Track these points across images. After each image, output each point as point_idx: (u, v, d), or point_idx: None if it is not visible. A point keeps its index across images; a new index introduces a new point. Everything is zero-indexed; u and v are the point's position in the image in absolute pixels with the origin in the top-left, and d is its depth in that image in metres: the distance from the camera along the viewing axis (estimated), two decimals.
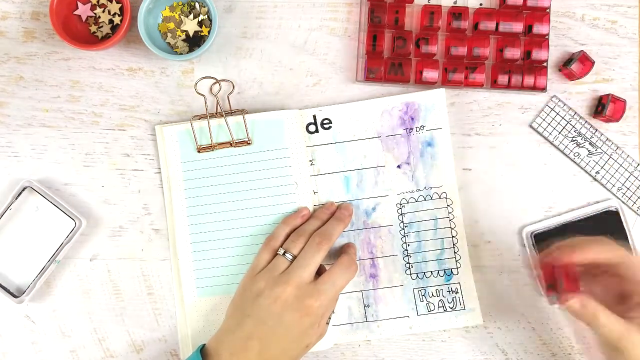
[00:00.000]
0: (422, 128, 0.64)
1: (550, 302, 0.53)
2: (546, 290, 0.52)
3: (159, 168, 0.65)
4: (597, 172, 0.65)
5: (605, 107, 0.64)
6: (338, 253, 0.63)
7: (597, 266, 0.52)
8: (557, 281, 0.50)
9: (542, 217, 0.65)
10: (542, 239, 0.64)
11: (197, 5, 0.64)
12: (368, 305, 0.64)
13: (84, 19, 0.65)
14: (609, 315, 0.49)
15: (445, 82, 0.64)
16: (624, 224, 0.64)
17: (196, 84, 0.65)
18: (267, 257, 0.60)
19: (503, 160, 0.65)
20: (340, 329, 0.64)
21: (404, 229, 0.65)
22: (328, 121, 0.65)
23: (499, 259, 0.65)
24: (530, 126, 0.66)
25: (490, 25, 0.64)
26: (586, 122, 0.65)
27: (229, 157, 0.64)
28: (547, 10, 0.64)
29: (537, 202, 0.65)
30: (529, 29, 0.64)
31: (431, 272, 0.64)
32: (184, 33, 0.64)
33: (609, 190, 0.65)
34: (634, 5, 0.66)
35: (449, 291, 0.64)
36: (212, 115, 0.64)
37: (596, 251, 0.52)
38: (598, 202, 0.65)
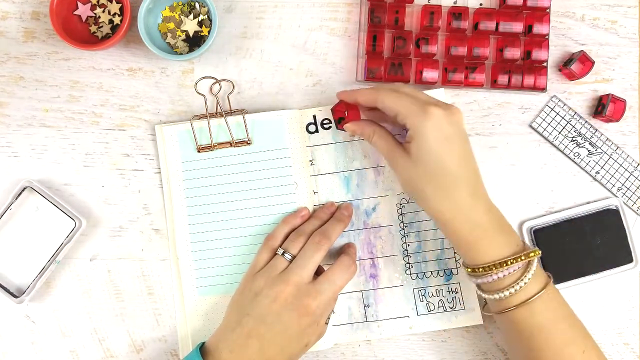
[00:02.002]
0: None
1: (341, 129, 0.61)
2: (337, 125, 0.61)
3: (159, 168, 0.65)
4: (597, 172, 0.65)
5: (605, 107, 0.64)
6: (338, 253, 0.63)
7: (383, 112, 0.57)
8: (344, 115, 0.60)
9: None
10: (542, 235, 0.64)
11: (197, 5, 0.64)
12: (368, 305, 0.64)
13: (84, 19, 0.65)
14: (381, 137, 0.57)
15: (445, 82, 0.64)
16: (624, 223, 0.64)
17: (196, 84, 0.65)
18: (267, 256, 0.60)
19: (503, 160, 0.65)
20: (340, 329, 0.64)
21: (404, 229, 0.65)
22: (328, 121, 0.65)
23: None
24: (530, 126, 0.66)
25: (490, 25, 0.64)
26: (586, 122, 0.65)
27: (229, 157, 0.64)
28: (547, 10, 0.64)
29: (537, 202, 0.65)
30: (529, 29, 0.64)
31: (431, 272, 0.64)
32: (184, 33, 0.64)
33: (609, 190, 0.65)
34: (634, 5, 0.66)
35: (449, 291, 0.64)
36: (212, 115, 0.64)
37: (374, 96, 0.57)
38: (598, 200, 0.65)
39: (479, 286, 0.56)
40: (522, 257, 0.53)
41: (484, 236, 0.53)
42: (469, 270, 0.55)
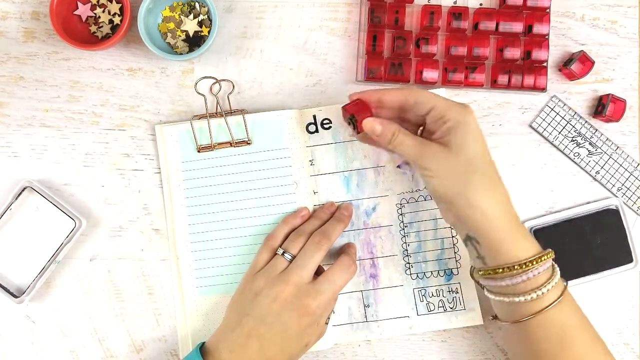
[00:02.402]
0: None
1: (354, 135, 0.60)
2: (349, 123, 0.58)
3: (159, 168, 0.65)
4: (597, 172, 0.65)
5: (605, 107, 0.64)
6: (338, 253, 0.63)
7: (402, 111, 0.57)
8: (355, 116, 0.57)
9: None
10: (542, 235, 0.64)
11: (197, 5, 0.64)
12: (368, 305, 0.64)
13: (84, 19, 0.65)
14: (407, 134, 0.54)
15: (445, 82, 0.64)
16: (624, 223, 0.64)
17: (196, 84, 0.65)
18: (267, 256, 0.60)
19: (503, 160, 0.65)
20: (340, 329, 0.64)
21: (404, 229, 0.65)
22: (328, 121, 0.65)
23: None
24: (530, 126, 0.66)
25: (490, 25, 0.64)
26: (586, 122, 0.65)
27: (229, 157, 0.64)
28: (547, 10, 0.64)
29: (537, 202, 0.65)
30: (529, 29, 0.64)
31: (431, 272, 0.64)
32: (184, 33, 0.64)
33: (609, 190, 0.65)
34: (634, 5, 0.66)
35: (449, 291, 0.64)
36: (212, 115, 0.64)
37: (388, 94, 0.56)
38: (598, 200, 0.65)
39: (495, 291, 0.54)
40: (547, 257, 0.51)
41: (519, 234, 0.52)
42: (489, 272, 0.53)
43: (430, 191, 0.56)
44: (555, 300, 0.51)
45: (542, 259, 0.51)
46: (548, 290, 0.51)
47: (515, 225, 0.52)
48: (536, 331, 0.52)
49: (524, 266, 0.51)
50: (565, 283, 0.53)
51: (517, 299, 0.52)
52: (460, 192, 0.52)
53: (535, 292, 0.51)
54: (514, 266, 0.51)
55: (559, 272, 0.53)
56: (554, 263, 0.53)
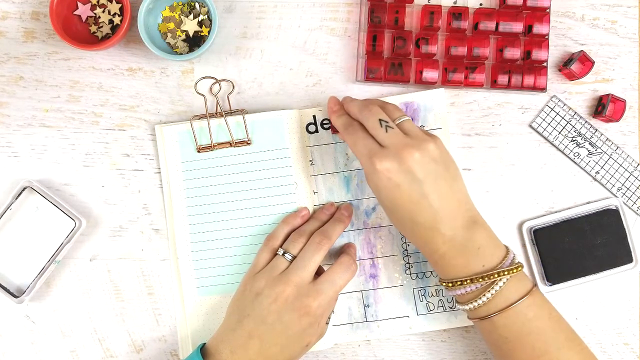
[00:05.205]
0: (422, 128, 0.64)
1: (333, 133, 0.64)
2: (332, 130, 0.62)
3: (159, 168, 0.65)
4: (597, 172, 0.65)
5: (605, 107, 0.64)
6: (338, 253, 0.63)
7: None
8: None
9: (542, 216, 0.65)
10: (542, 235, 0.64)
11: (197, 5, 0.64)
12: (368, 305, 0.64)
13: (84, 19, 0.65)
14: (366, 137, 0.55)
15: (445, 82, 0.64)
16: (624, 223, 0.64)
17: (196, 84, 0.65)
18: (267, 256, 0.60)
19: (503, 160, 0.65)
20: (340, 329, 0.64)
21: None
22: (328, 121, 0.65)
23: None
24: (530, 126, 0.66)
25: (490, 25, 0.64)
26: (586, 122, 0.65)
27: (229, 157, 0.64)
28: (547, 10, 0.64)
29: (537, 202, 0.65)
30: (529, 29, 0.64)
31: (431, 272, 0.64)
32: (184, 33, 0.64)
33: (609, 190, 0.65)
34: (634, 5, 0.66)
35: None
36: (212, 115, 0.64)
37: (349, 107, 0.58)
38: (598, 201, 0.65)
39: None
40: (481, 279, 0.53)
41: (442, 260, 0.55)
42: (442, 282, 0.57)
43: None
44: (514, 302, 0.53)
45: (466, 282, 0.54)
46: (479, 304, 0.54)
47: (439, 255, 0.54)
48: (496, 329, 0.54)
49: (457, 284, 0.54)
50: (534, 284, 0.55)
51: (462, 307, 0.56)
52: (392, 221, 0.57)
53: (472, 302, 0.54)
54: (449, 283, 0.55)
55: (497, 287, 0.53)
56: (494, 280, 0.53)
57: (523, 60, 0.65)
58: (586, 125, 0.65)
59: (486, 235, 0.55)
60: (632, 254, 0.64)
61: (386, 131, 0.54)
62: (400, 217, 0.54)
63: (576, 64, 0.64)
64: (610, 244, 0.64)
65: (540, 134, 0.65)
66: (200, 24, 0.64)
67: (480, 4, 0.65)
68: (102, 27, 0.65)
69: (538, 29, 0.64)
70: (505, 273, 0.53)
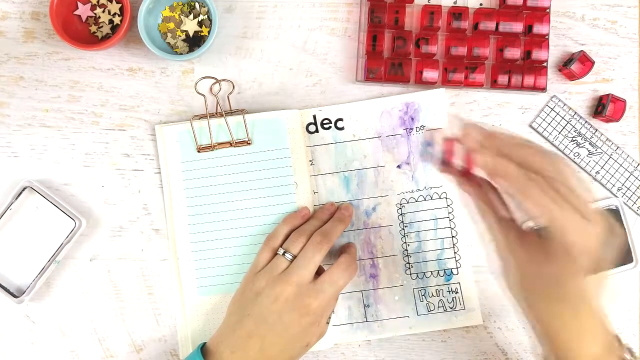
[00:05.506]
0: (422, 128, 0.65)
1: (441, 171, 0.52)
2: (440, 164, 0.51)
3: (159, 168, 0.65)
4: (597, 172, 0.65)
5: (605, 107, 0.64)
6: (338, 253, 0.63)
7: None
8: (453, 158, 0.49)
9: None
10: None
11: (197, 5, 0.64)
12: (368, 305, 0.64)
13: (84, 19, 0.65)
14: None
15: (445, 82, 0.64)
16: (624, 223, 0.64)
17: (196, 84, 0.65)
18: (267, 256, 0.60)
19: None
20: (340, 329, 0.64)
21: (404, 229, 0.65)
22: (328, 121, 0.65)
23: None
24: (530, 126, 0.66)
25: (490, 25, 0.64)
26: (586, 122, 0.65)
27: (229, 157, 0.64)
28: (547, 10, 0.64)
29: None
30: (529, 29, 0.64)
31: (431, 272, 0.64)
32: (184, 33, 0.64)
33: (609, 190, 0.65)
34: (634, 5, 0.66)
35: (449, 291, 0.64)
36: (212, 115, 0.64)
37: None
38: (598, 201, 0.65)
39: None
40: None
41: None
42: None
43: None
44: None
45: None
46: None
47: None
48: None
49: None
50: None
51: None
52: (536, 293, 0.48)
53: None
54: None
55: None
56: None
57: (523, 60, 0.65)
58: (586, 125, 0.65)
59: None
60: (632, 254, 0.64)
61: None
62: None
63: (576, 64, 0.64)
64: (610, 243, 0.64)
65: (541, 134, 0.65)
66: (200, 24, 0.64)
67: (480, 4, 0.65)
68: (102, 27, 0.65)
69: (538, 29, 0.64)
70: None
